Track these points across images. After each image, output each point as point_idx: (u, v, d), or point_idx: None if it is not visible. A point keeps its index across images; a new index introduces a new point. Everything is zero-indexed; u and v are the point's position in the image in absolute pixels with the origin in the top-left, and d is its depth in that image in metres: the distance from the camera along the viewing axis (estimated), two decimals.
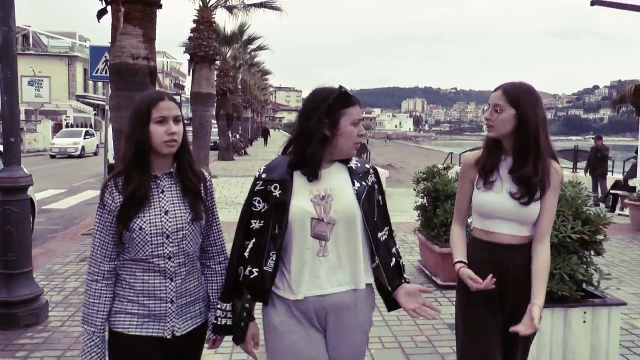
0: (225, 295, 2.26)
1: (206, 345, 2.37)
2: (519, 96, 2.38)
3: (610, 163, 16.00)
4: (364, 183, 2.25)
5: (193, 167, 2.27)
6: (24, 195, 5.03)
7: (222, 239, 2.40)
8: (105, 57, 10.14)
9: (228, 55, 32.27)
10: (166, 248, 2.15)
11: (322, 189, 2.18)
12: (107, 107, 10.43)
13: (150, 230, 2.12)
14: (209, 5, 21.11)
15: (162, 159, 2.19)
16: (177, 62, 76.24)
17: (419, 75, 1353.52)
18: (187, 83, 60.89)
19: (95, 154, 32.75)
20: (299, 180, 2.19)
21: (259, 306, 2.27)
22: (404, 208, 11.89)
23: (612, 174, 16.13)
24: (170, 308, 2.18)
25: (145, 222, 2.11)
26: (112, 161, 11.14)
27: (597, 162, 14.31)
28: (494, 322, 2.46)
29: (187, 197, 2.21)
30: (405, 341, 4.66)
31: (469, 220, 2.69)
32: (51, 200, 13.68)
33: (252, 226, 2.22)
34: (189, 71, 20.76)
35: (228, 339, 2.31)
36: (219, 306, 2.26)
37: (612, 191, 13.76)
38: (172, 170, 2.22)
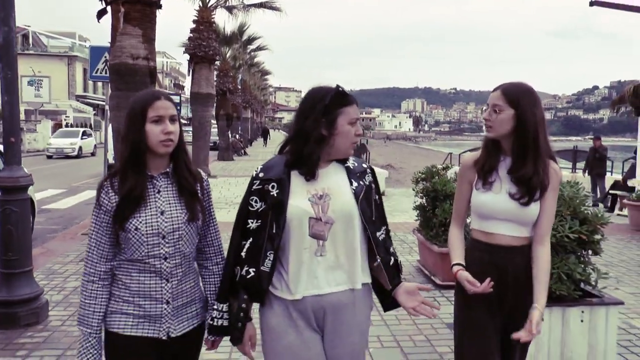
0: (222, 295, 2.25)
1: (205, 346, 2.36)
2: (518, 96, 2.37)
3: (609, 163, 16.03)
4: (361, 182, 2.25)
5: (189, 166, 2.24)
6: (24, 195, 5.04)
7: (219, 239, 2.39)
8: (105, 57, 10.15)
9: (227, 55, 32.30)
10: (162, 248, 2.13)
11: (319, 188, 2.18)
12: (107, 107, 10.44)
13: (146, 230, 2.10)
14: (209, 5, 21.14)
15: (158, 159, 2.17)
16: (177, 62, 76.30)
17: (419, 75, 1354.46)
18: (187, 83, 60.94)
19: (93, 154, 32.30)
20: (296, 180, 2.18)
21: (256, 306, 2.25)
22: (403, 208, 11.92)
23: (611, 174, 16.15)
24: (165, 309, 2.17)
25: (140, 222, 2.10)
26: (111, 161, 11.16)
27: (595, 162, 14.33)
28: (493, 323, 2.45)
29: (183, 197, 2.19)
30: (403, 340, 4.68)
31: (468, 221, 2.68)
32: (50, 200, 13.69)
33: (248, 226, 2.20)
34: (189, 71, 20.79)
35: (227, 339, 2.29)
36: (215, 307, 2.25)
37: (611, 191, 13.78)
38: (168, 169, 2.20)
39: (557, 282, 3.76)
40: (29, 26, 49.65)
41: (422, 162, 10.18)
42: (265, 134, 52.68)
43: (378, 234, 2.26)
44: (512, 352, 2.50)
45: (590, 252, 3.99)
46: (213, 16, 21.28)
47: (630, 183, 13.06)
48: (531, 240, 2.46)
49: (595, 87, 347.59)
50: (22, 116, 32.26)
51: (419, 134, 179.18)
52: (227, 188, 15.66)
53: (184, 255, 2.19)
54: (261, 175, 2.21)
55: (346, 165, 2.27)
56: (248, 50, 39.25)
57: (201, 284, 2.37)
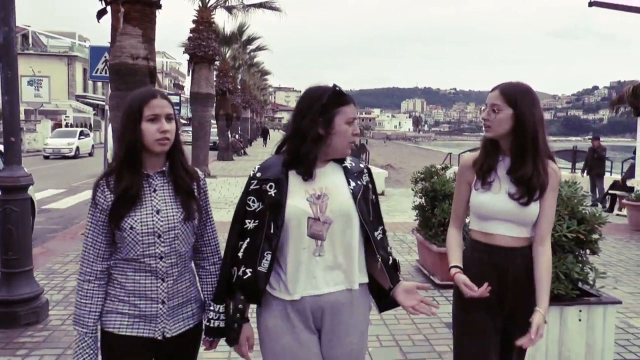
0: (218, 296, 2.23)
1: (203, 346, 2.34)
2: (516, 96, 2.36)
3: (608, 163, 16.06)
4: (358, 182, 2.24)
5: (185, 165, 2.22)
6: (24, 195, 5.05)
7: (216, 239, 2.37)
8: (105, 57, 10.18)
9: (227, 55, 32.30)
10: (157, 247, 2.12)
11: (317, 188, 2.17)
12: (107, 107, 10.47)
13: (141, 229, 2.09)
14: (208, 5, 21.15)
15: (154, 157, 2.15)
16: (177, 62, 76.30)
17: (419, 76, 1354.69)
18: (187, 83, 61.00)
19: (91, 154, 31.79)
20: (294, 180, 2.17)
21: (253, 307, 2.25)
22: (402, 208, 11.95)
23: (611, 174, 16.18)
24: (161, 309, 2.15)
25: (136, 221, 2.08)
26: (111, 161, 11.16)
27: (594, 162, 14.37)
28: (492, 324, 2.44)
29: (179, 196, 2.17)
30: (402, 339, 4.69)
31: (467, 220, 2.67)
32: (50, 199, 13.71)
33: (246, 226, 2.19)
34: (188, 71, 20.81)
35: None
36: (212, 308, 2.23)
37: (610, 191, 13.81)
38: (164, 168, 2.18)
39: (555, 282, 3.77)
40: (28, 26, 49.65)
41: (421, 162, 10.21)
42: (264, 134, 52.68)
43: (376, 233, 2.26)
44: (511, 352, 2.49)
45: (588, 251, 4.01)
46: (213, 16, 21.31)
47: (629, 183, 13.09)
48: (531, 241, 2.45)
49: (595, 88, 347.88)
50: (22, 116, 32.12)
51: (418, 134, 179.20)
52: (227, 188, 15.67)
53: (179, 255, 2.18)
54: (259, 175, 2.19)
55: (344, 165, 2.26)
56: (248, 51, 39.25)
57: (198, 284, 2.36)
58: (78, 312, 2.13)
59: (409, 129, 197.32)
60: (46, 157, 29.12)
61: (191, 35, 20.38)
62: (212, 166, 22.41)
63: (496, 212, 2.40)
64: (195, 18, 20.65)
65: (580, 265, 3.92)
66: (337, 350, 2.20)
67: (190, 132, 21.18)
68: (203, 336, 2.31)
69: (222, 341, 2.30)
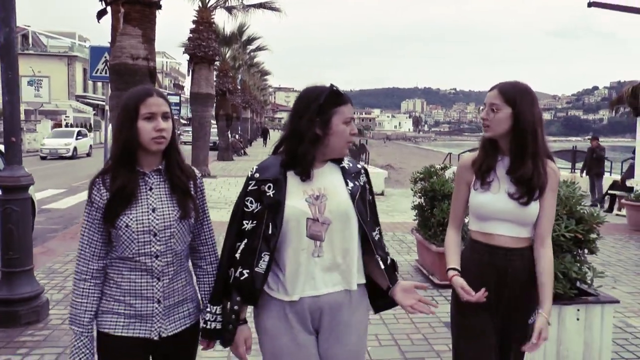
0: (215, 297, 2.22)
1: (201, 346, 2.32)
2: (515, 95, 2.35)
3: (608, 163, 16.07)
4: (356, 183, 2.24)
5: (181, 164, 2.21)
6: (24, 194, 5.07)
7: (213, 238, 2.36)
8: (105, 57, 10.21)
9: (227, 56, 32.32)
10: (153, 246, 2.10)
11: (315, 188, 2.17)
12: (107, 107, 10.49)
13: (137, 228, 2.07)
14: (208, 5, 21.18)
15: (151, 156, 2.14)
16: (177, 62, 76.33)
17: (419, 75, 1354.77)
18: (187, 83, 61.03)
19: (89, 154, 31.24)
20: (292, 180, 2.16)
21: (250, 308, 2.24)
22: (402, 208, 11.95)
23: (610, 174, 16.20)
24: (156, 308, 2.14)
25: (131, 220, 2.07)
26: None
27: (593, 163, 14.38)
28: (490, 324, 2.43)
29: (176, 194, 2.16)
30: (401, 339, 4.71)
31: (465, 220, 2.65)
32: (51, 199, 13.72)
33: (243, 227, 2.18)
34: (188, 71, 20.84)
35: None
36: (208, 309, 2.22)
37: (609, 191, 13.83)
38: (160, 167, 2.17)
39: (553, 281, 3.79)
40: (28, 26, 49.65)
41: (421, 163, 10.26)
42: (264, 134, 52.70)
43: (374, 233, 2.27)
44: (510, 353, 2.49)
45: (586, 251, 4.03)
46: (213, 16, 21.34)
47: (628, 183, 13.11)
48: (531, 242, 2.44)
49: (595, 88, 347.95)
50: (22, 116, 31.92)
51: (418, 134, 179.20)
52: (227, 188, 15.69)
53: (175, 254, 2.17)
54: (257, 175, 2.18)
55: (341, 165, 2.26)
56: (248, 51, 39.29)
57: (195, 284, 2.35)
58: (74, 312, 2.12)
59: (409, 129, 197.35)
60: (43, 158, 28.56)
61: (191, 35, 20.41)
62: (212, 166, 22.43)
63: (496, 212, 2.39)
64: (195, 18, 20.67)
65: (579, 264, 3.93)
66: (335, 350, 2.19)
67: (190, 132, 21.15)
68: (200, 337, 2.29)
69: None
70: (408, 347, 4.53)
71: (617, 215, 12.78)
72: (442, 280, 6.03)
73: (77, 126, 37.42)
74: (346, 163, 2.28)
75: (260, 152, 37.03)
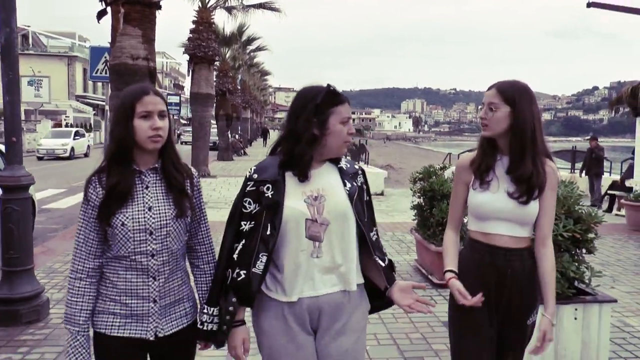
0: (212, 298, 2.20)
1: (198, 346, 2.31)
2: (514, 94, 2.34)
3: (607, 164, 16.09)
4: (354, 183, 2.24)
5: (177, 162, 2.19)
6: (25, 194, 5.09)
7: (210, 237, 2.35)
8: (105, 57, 10.24)
9: (227, 56, 32.34)
10: (149, 245, 2.09)
11: (314, 189, 2.16)
12: (107, 107, 10.52)
13: (133, 226, 2.06)
14: (208, 5, 21.19)
15: (147, 154, 2.13)
16: (177, 63, 76.33)
17: (419, 76, 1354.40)
18: (187, 83, 61.07)
19: (86, 155, 30.75)
20: (290, 181, 2.16)
21: (249, 310, 2.23)
22: (402, 208, 11.97)
23: (610, 175, 16.23)
24: (152, 307, 2.12)
25: (127, 218, 2.05)
26: None
27: (592, 163, 14.41)
28: (488, 324, 2.43)
29: (172, 193, 2.15)
30: (400, 338, 4.73)
31: (465, 220, 2.64)
32: (51, 199, 13.73)
33: (241, 228, 2.17)
34: (188, 71, 20.85)
35: None
36: (205, 310, 2.20)
37: (609, 191, 13.86)
38: (156, 165, 2.16)
39: None
40: (28, 26, 49.63)
41: (421, 163, 10.27)
42: (264, 134, 52.73)
43: (371, 234, 2.26)
44: (508, 353, 2.49)
45: (584, 250, 4.05)
46: (212, 17, 21.36)
47: (628, 183, 13.13)
48: (530, 243, 2.44)
49: (595, 88, 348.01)
50: (22, 116, 31.68)
51: (418, 135, 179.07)
52: (227, 188, 15.70)
53: (171, 253, 2.15)
54: (255, 176, 2.18)
55: (339, 166, 2.26)
56: (247, 51, 39.30)
57: (192, 283, 2.34)
58: (69, 311, 2.10)
59: (409, 129, 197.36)
60: (40, 158, 28.00)
61: (191, 35, 20.43)
62: (212, 166, 22.45)
63: (495, 211, 2.38)
64: (195, 18, 20.69)
65: (577, 264, 3.95)
66: (333, 349, 2.19)
67: (190, 132, 21.16)
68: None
69: None
70: (407, 347, 4.55)
71: (616, 215, 12.80)
72: (441, 280, 6.04)
73: (77, 126, 37.33)
74: (344, 163, 2.28)
75: (260, 152, 37.05)
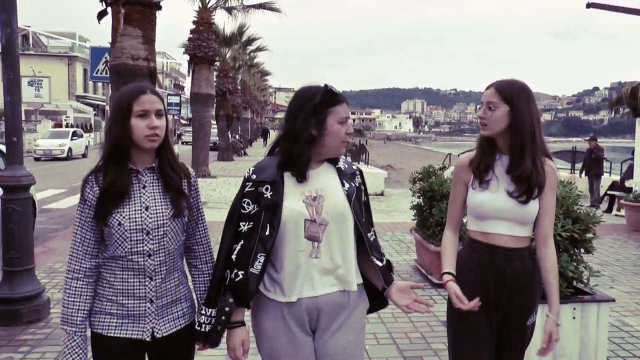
0: (210, 300, 2.19)
1: (196, 347, 2.29)
2: (512, 93, 2.34)
3: (607, 164, 16.10)
4: (352, 184, 2.24)
5: (174, 162, 2.18)
6: (25, 194, 5.11)
7: (207, 237, 2.34)
8: (105, 57, 10.25)
9: (227, 56, 32.36)
10: (146, 245, 2.08)
11: (312, 189, 2.16)
12: (107, 107, 10.53)
13: (130, 226, 2.05)
14: (208, 6, 21.21)
15: (144, 154, 2.11)
16: (177, 63, 76.33)
17: (419, 76, 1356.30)
18: (187, 83, 61.06)
19: (84, 155, 30.24)
20: (289, 181, 2.16)
21: (249, 311, 2.23)
22: (402, 208, 11.98)
23: (610, 175, 16.25)
24: (149, 308, 2.12)
25: (124, 218, 2.04)
26: None
27: (592, 163, 14.42)
28: (487, 324, 2.42)
29: (169, 192, 2.13)
30: (399, 337, 4.75)
31: (464, 220, 2.63)
32: (51, 199, 13.75)
33: (240, 229, 2.17)
34: (189, 72, 20.86)
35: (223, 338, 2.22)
36: (203, 311, 2.19)
37: (609, 192, 13.87)
38: (154, 165, 2.14)
39: None
40: (29, 26, 49.64)
41: (421, 163, 10.26)
42: (265, 135, 52.74)
43: (369, 234, 2.27)
44: (507, 354, 2.48)
45: (582, 250, 4.07)
46: (213, 17, 21.37)
47: (627, 184, 13.16)
48: (530, 243, 2.44)
49: (596, 88, 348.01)
50: (22, 116, 31.52)
51: (419, 135, 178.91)
52: (227, 188, 15.71)
53: (168, 253, 2.14)
54: (254, 177, 2.17)
55: (337, 166, 2.26)
56: (248, 51, 39.33)
57: (190, 284, 2.33)
58: (66, 311, 2.08)
59: (409, 130, 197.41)
60: (37, 159, 27.54)
61: (191, 36, 20.44)
62: (213, 166, 22.46)
63: (495, 210, 2.38)
64: (195, 19, 20.70)
65: (575, 264, 3.97)
66: (331, 347, 2.19)
67: (190, 132, 21.17)
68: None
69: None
70: (406, 346, 4.57)
71: (616, 215, 12.82)
72: (440, 280, 6.04)
73: (77, 127, 37.29)
74: (342, 164, 2.28)
75: (260, 152, 37.05)
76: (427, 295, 5.83)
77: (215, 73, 24.45)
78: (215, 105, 25.03)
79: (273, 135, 53.18)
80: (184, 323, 2.23)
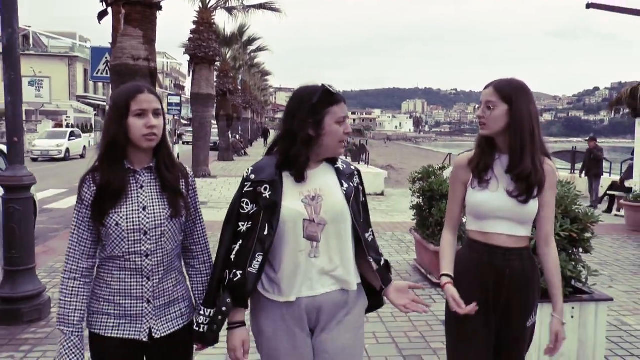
0: (209, 300, 2.18)
1: (195, 347, 2.27)
2: (511, 92, 2.33)
3: (607, 164, 16.11)
4: (350, 184, 2.25)
5: (170, 162, 2.16)
6: (27, 194, 5.13)
7: (205, 237, 2.33)
8: (106, 57, 10.26)
9: (228, 56, 32.39)
10: (143, 245, 2.07)
11: (311, 189, 2.16)
12: (108, 108, 10.55)
13: (127, 226, 2.04)
14: (209, 6, 21.22)
15: (141, 153, 2.10)
16: (177, 63, 76.32)
17: (419, 76, 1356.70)
18: (187, 83, 61.05)
19: (82, 156, 29.80)
20: (288, 181, 2.16)
21: (248, 311, 2.23)
22: (402, 208, 11.99)
23: (610, 175, 16.26)
24: (146, 308, 2.10)
25: (121, 218, 2.03)
26: None
27: (591, 163, 14.44)
28: (485, 325, 2.42)
29: (166, 192, 2.12)
30: (398, 336, 4.77)
31: (463, 220, 2.63)
32: (52, 199, 13.78)
33: (239, 229, 2.16)
34: (189, 72, 20.88)
35: (223, 334, 2.20)
36: (202, 312, 2.17)
37: (608, 192, 13.89)
38: (151, 164, 2.13)
39: None
40: (29, 27, 49.63)
41: (422, 163, 10.25)
42: (265, 135, 52.74)
43: (367, 235, 2.27)
44: (506, 354, 2.48)
45: (581, 250, 4.09)
46: (213, 17, 21.37)
47: (627, 184, 13.17)
48: (528, 243, 2.43)
49: (596, 89, 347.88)
50: (23, 117, 31.48)
51: (419, 135, 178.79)
52: (228, 188, 15.73)
53: (166, 253, 2.13)
54: (252, 177, 2.17)
55: (336, 166, 2.27)
56: (248, 51, 39.37)
57: (188, 284, 2.33)
58: (62, 311, 2.06)
59: (410, 130, 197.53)
60: (34, 160, 27.10)
61: (192, 36, 20.45)
62: (213, 166, 22.47)
63: (494, 210, 2.37)
64: (196, 19, 20.71)
65: (573, 263, 3.99)
66: (329, 345, 2.19)
67: (190, 132, 21.18)
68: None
69: (220, 339, 2.25)
70: (405, 345, 4.59)
71: (615, 215, 12.83)
72: (439, 280, 6.06)
73: (78, 127, 37.28)
74: (340, 164, 2.28)
75: (260, 152, 37.05)
76: (426, 294, 5.84)
77: (215, 73, 24.47)
78: (215, 105, 25.05)
79: (273, 135, 53.22)
80: (183, 323, 2.22)
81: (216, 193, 14.72)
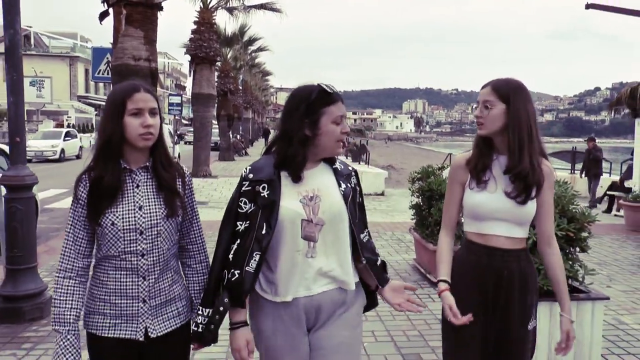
0: (207, 300, 2.17)
1: (192, 346, 2.26)
2: (509, 91, 2.32)
3: (607, 164, 16.13)
4: (348, 184, 2.25)
5: (167, 161, 2.15)
6: (29, 193, 5.17)
7: (202, 237, 2.32)
8: (107, 58, 10.29)
9: (228, 56, 32.41)
10: (139, 244, 2.06)
11: (309, 189, 2.17)
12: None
13: (123, 226, 2.03)
14: (209, 6, 21.26)
15: (138, 152, 2.09)
16: (178, 63, 76.37)
17: (420, 76, 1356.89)
18: (188, 84, 61.05)
19: (78, 156, 28.91)
20: (286, 181, 2.16)
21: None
22: (402, 208, 12.01)
23: (610, 175, 16.28)
24: (142, 307, 2.09)
25: (117, 217, 2.02)
26: None
27: (591, 164, 14.46)
28: (483, 326, 2.40)
29: (163, 192, 2.11)
30: (397, 335, 4.80)
31: (462, 220, 2.61)
32: (53, 199, 13.81)
33: (237, 228, 2.16)
34: (190, 72, 20.93)
35: (224, 333, 2.21)
36: (200, 312, 2.16)
37: (608, 192, 13.91)
38: (147, 164, 2.12)
39: (545, 278, 3.86)
40: (30, 27, 49.62)
41: (422, 163, 10.25)
42: (266, 135, 52.67)
43: (362, 235, 2.27)
44: (505, 356, 2.47)
45: (577, 249, 4.12)
46: (214, 17, 21.42)
47: (627, 184, 13.19)
48: (526, 244, 2.44)
49: (597, 89, 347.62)
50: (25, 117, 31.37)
51: (420, 135, 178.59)
52: (228, 188, 15.76)
53: (161, 252, 2.11)
54: (250, 176, 2.17)
55: (334, 166, 2.27)
56: (249, 51, 39.38)
57: (185, 283, 2.31)
58: (57, 311, 2.04)
59: (411, 130, 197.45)
60: (28, 160, 25.60)
61: (192, 36, 20.50)
62: (214, 166, 22.51)
63: (493, 211, 2.36)
64: (197, 19, 20.76)
65: (570, 262, 4.02)
66: (325, 341, 2.20)
67: (191, 132, 21.21)
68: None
69: (221, 338, 2.25)
70: (404, 343, 4.62)
71: (615, 215, 12.85)
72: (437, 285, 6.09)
73: (79, 127, 37.27)
74: (338, 164, 2.29)
75: (261, 152, 37.03)
76: (425, 293, 5.88)
77: (216, 73, 24.53)
78: (216, 105, 25.10)
79: (274, 135, 53.08)
80: (180, 323, 2.21)
81: (217, 193, 14.75)
